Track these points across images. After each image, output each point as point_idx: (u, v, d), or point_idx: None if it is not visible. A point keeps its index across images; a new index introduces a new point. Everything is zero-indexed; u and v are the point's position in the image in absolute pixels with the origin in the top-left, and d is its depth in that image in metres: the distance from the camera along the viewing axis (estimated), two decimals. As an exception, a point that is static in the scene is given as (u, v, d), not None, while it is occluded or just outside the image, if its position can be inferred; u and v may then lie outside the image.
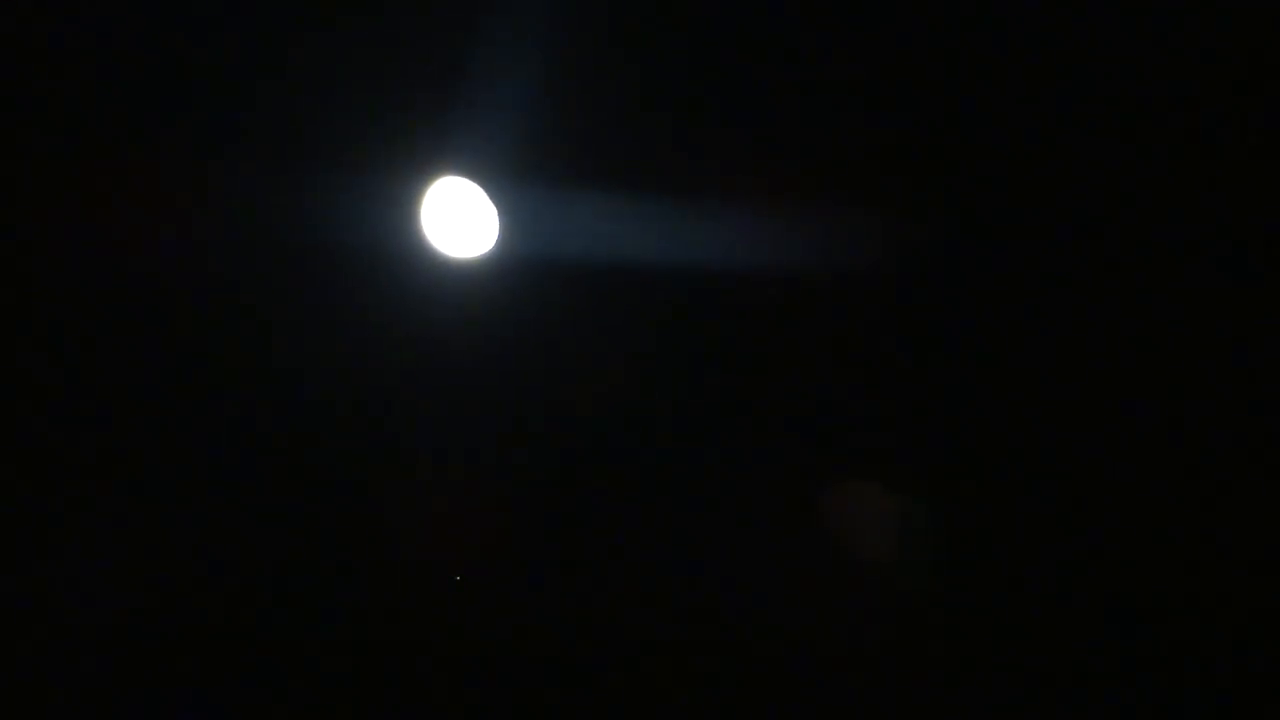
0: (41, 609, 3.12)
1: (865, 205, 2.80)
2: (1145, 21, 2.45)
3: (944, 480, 3.24)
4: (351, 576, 3.38)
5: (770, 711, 3.43)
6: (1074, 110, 2.62)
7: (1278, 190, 2.65)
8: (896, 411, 3.17)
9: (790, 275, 2.93)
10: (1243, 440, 2.99)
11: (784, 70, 2.63)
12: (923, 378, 3.10)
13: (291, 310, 2.98)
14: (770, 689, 3.44)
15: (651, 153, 2.79)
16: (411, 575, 3.37)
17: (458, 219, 2.79)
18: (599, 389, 3.20)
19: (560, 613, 3.43)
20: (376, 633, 3.39)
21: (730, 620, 3.39)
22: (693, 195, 2.81)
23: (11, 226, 2.75)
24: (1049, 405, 3.08)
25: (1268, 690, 3.10)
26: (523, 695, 3.47)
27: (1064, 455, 3.13)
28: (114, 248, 2.76)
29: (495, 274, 2.90)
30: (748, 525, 3.31)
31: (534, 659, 3.45)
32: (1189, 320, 2.88)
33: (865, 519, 3.28)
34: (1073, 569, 3.22)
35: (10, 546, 3.11)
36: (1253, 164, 2.63)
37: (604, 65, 2.65)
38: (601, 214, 2.82)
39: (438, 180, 2.73)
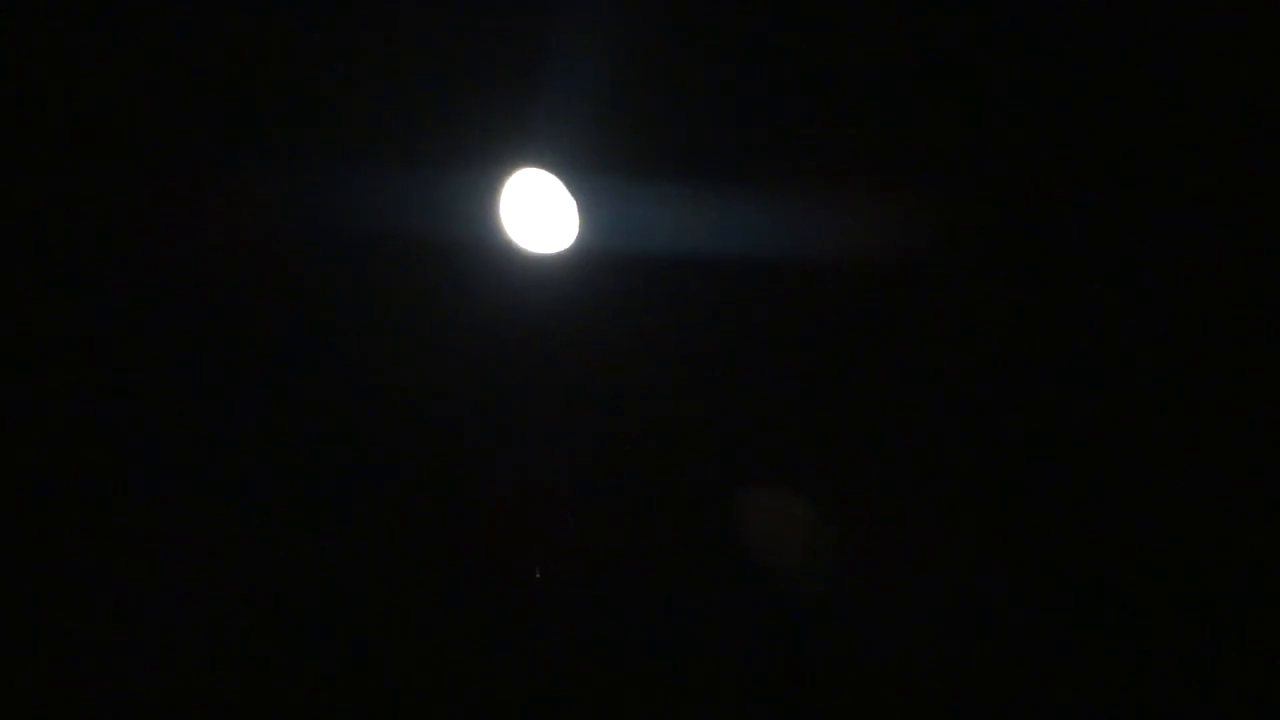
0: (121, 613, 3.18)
1: (959, 199, 2.78)
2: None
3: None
4: (422, 582, 3.41)
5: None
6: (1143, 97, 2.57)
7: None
8: (997, 405, 3.15)
9: (884, 269, 2.91)
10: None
11: (877, 62, 2.60)
12: (1027, 370, 3.08)
13: (365, 306, 2.96)
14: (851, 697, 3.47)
15: (737, 145, 2.75)
16: (486, 578, 3.38)
17: (537, 213, 2.76)
18: (682, 389, 3.17)
19: (637, 612, 3.45)
20: (451, 635, 3.43)
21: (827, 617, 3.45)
22: (780, 189, 2.77)
23: (107, 223, 2.79)
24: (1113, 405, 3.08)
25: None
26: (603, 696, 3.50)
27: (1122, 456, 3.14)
28: (178, 242, 2.78)
29: (575, 269, 2.86)
30: (840, 522, 3.33)
31: (610, 661, 3.48)
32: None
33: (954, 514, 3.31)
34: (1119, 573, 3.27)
35: (90, 549, 3.16)
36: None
37: (687, 55, 2.60)
38: (685, 208, 2.78)
39: (516, 173, 2.70)
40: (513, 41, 2.53)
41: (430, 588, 3.40)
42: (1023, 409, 3.12)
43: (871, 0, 2.45)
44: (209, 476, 3.16)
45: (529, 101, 2.59)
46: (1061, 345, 3.00)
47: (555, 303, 2.96)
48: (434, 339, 3.03)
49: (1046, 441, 3.16)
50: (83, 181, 2.70)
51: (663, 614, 3.44)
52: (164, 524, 3.16)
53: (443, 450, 3.29)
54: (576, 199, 2.73)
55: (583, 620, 3.46)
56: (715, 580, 3.42)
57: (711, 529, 3.38)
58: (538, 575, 3.32)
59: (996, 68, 2.55)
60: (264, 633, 3.29)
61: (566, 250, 2.81)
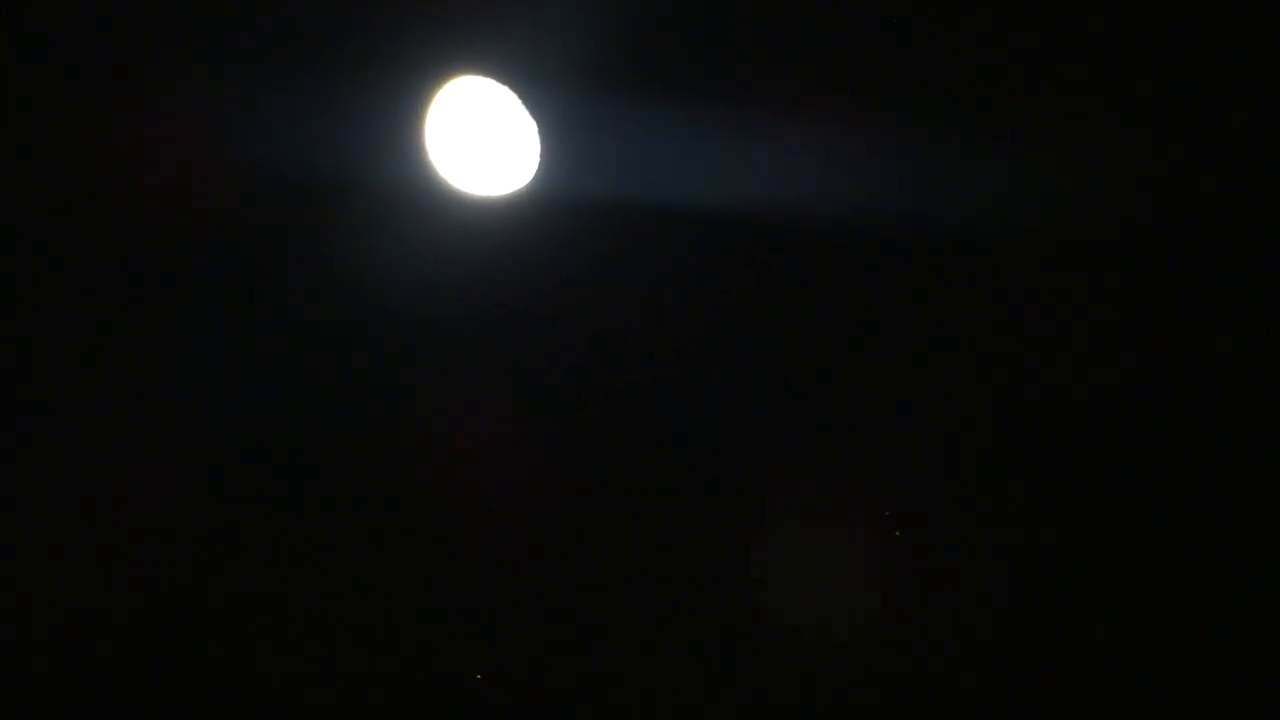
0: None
1: (966, 145, 2.67)
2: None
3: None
4: (352, 569, 3.19)
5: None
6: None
7: None
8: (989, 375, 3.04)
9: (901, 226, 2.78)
10: None
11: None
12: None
13: (242, 271, 2.64)
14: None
15: (759, 57, 2.57)
16: (426, 568, 3.19)
17: (482, 140, 2.51)
18: (674, 379, 2.94)
19: (600, 595, 3.28)
20: (385, 620, 3.24)
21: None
22: (808, 123, 2.60)
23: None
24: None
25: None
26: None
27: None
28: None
29: (533, 218, 2.61)
30: (826, 499, 3.18)
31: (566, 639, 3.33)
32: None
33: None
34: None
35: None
36: None
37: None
38: (687, 138, 2.56)
39: (451, 82, 2.39)
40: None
41: (360, 584, 3.22)
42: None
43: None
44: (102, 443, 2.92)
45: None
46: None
47: (504, 264, 2.72)
48: (341, 312, 2.73)
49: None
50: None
51: (632, 606, 3.25)
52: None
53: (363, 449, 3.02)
54: (538, 120, 2.49)
55: (540, 606, 3.25)
56: (701, 578, 3.24)
57: (705, 528, 3.21)
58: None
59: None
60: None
61: (521, 191, 2.59)
